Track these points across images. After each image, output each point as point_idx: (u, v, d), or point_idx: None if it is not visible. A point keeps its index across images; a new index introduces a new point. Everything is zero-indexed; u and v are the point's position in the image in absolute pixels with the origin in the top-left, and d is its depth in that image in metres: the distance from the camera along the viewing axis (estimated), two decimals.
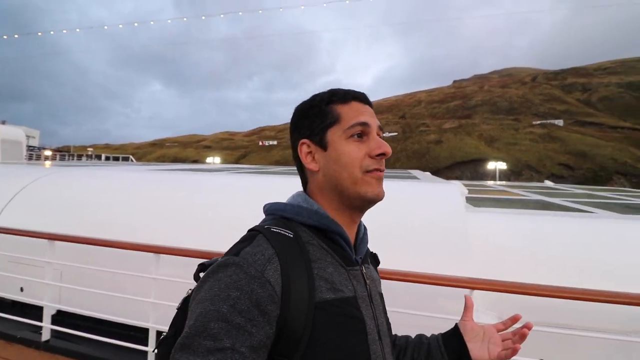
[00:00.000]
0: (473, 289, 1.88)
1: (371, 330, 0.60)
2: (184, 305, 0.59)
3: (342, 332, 0.56)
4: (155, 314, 2.29)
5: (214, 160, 46.20)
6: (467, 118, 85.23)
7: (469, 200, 3.61)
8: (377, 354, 0.60)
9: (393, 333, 0.79)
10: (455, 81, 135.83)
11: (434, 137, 76.62)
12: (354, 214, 0.66)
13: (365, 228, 0.72)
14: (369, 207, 0.66)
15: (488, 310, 2.24)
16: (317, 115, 0.66)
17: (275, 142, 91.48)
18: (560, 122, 73.97)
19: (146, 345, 2.27)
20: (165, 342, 0.58)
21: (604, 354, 2.05)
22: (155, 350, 0.59)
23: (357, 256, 0.66)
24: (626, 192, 6.18)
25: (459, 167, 67.53)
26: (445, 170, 66.27)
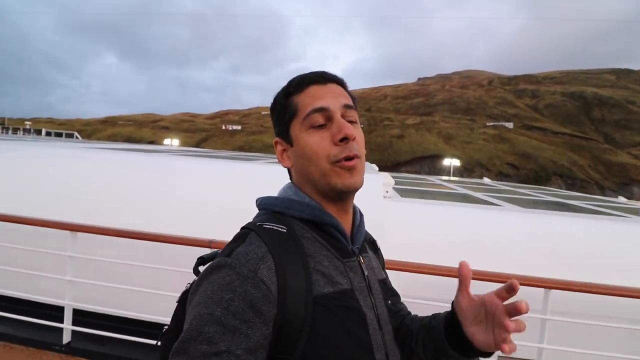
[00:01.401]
0: None
1: (371, 321, 0.60)
2: (184, 298, 0.59)
3: (342, 325, 0.56)
4: (72, 292, 2.28)
5: (172, 142, 44.05)
6: (428, 115, 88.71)
7: (398, 191, 3.91)
8: (378, 344, 0.60)
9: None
10: (419, 79, 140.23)
11: (397, 132, 79.10)
12: (339, 204, 0.63)
13: (361, 215, 0.69)
14: (350, 196, 0.63)
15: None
16: (280, 111, 0.64)
17: (239, 127, 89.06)
18: (510, 125, 79.55)
19: (62, 322, 2.27)
20: (166, 334, 0.59)
21: None
22: (159, 343, 0.60)
23: (354, 246, 0.64)
24: (546, 191, 6.94)
25: (418, 161, 70.48)
26: (405, 164, 68.93)
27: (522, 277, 1.89)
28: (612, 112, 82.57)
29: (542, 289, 1.84)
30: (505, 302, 0.55)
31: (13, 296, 2.40)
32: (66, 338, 2.33)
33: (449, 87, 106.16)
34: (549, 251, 2.40)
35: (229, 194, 2.80)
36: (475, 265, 2.15)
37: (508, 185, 7.41)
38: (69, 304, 2.29)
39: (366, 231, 0.72)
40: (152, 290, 2.16)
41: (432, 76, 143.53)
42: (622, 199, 6.46)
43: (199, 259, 0.61)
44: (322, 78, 0.63)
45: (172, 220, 2.67)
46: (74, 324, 2.33)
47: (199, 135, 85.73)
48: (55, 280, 2.28)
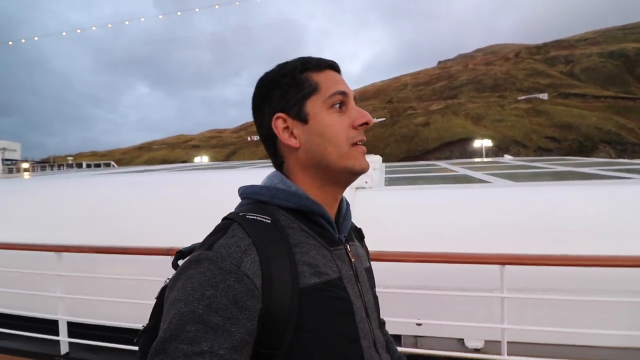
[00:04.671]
0: None
1: (358, 309, 0.59)
2: (162, 294, 0.57)
3: (329, 316, 0.55)
4: (64, 307, 2.49)
5: (202, 159, 46.13)
6: (453, 98, 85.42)
7: (390, 180, 3.87)
8: (365, 332, 0.59)
9: None
10: (440, 62, 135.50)
11: (421, 120, 76.84)
12: (337, 190, 0.63)
13: (347, 204, 0.68)
14: (353, 181, 0.64)
15: None
16: (292, 85, 0.60)
17: None
18: (544, 96, 74.48)
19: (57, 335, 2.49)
20: (145, 333, 0.56)
21: (467, 309, 2.27)
22: (136, 341, 0.57)
23: (340, 235, 0.63)
24: (567, 161, 6.42)
25: (447, 147, 68.00)
26: (434, 151, 66.77)
27: (475, 255, 1.80)
28: None
29: (498, 266, 1.73)
30: None
31: (14, 314, 2.66)
32: (64, 349, 2.54)
33: (473, 65, 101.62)
34: (531, 224, 2.24)
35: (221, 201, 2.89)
36: (438, 246, 2.03)
37: (525, 160, 6.98)
38: (63, 318, 2.50)
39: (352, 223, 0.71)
40: (136, 300, 2.27)
41: (453, 57, 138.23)
42: None
43: (177, 252, 0.59)
44: (337, 67, 0.64)
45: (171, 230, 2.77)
46: (71, 336, 2.53)
47: (227, 149, 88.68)
48: (49, 297, 2.50)
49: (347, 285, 0.58)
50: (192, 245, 0.59)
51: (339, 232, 0.63)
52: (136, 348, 0.57)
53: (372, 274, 0.71)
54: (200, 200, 3.00)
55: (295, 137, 0.60)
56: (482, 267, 1.84)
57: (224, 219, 0.58)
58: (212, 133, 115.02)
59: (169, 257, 2.22)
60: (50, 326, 2.66)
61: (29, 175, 8.52)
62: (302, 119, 0.59)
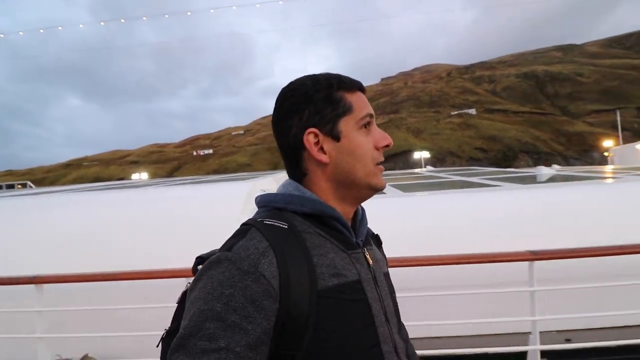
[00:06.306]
0: None
1: (377, 313, 0.59)
2: (183, 298, 0.58)
3: (347, 318, 0.55)
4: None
5: (141, 176, 43.01)
6: (395, 113, 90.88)
7: None
8: (385, 336, 0.59)
9: None
10: (382, 79, 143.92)
11: None
12: (355, 204, 0.66)
13: (363, 210, 0.69)
14: (371, 196, 0.66)
15: None
16: (327, 102, 0.62)
17: (211, 151, 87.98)
18: (473, 111, 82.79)
19: None
20: (167, 337, 0.57)
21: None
22: (160, 345, 0.58)
23: (357, 239, 0.64)
24: (466, 172, 6.62)
25: (392, 159, 71.74)
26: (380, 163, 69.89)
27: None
28: (563, 85, 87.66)
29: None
30: None
31: None
32: None
33: (412, 83, 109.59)
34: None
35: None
36: None
37: (436, 172, 7.66)
38: None
39: (368, 227, 0.72)
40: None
41: (395, 75, 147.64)
42: (543, 168, 5.97)
43: (197, 258, 0.59)
44: (364, 89, 0.67)
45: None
46: None
47: (170, 164, 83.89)
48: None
49: (366, 288, 0.60)
50: (212, 251, 0.61)
51: (356, 236, 0.64)
52: None
53: (390, 280, 0.71)
54: (82, 225, 2.87)
55: (325, 153, 0.62)
56: None
57: (243, 224, 0.60)
58: (154, 148, 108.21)
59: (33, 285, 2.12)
60: None
61: None
62: (335, 136, 0.61)
